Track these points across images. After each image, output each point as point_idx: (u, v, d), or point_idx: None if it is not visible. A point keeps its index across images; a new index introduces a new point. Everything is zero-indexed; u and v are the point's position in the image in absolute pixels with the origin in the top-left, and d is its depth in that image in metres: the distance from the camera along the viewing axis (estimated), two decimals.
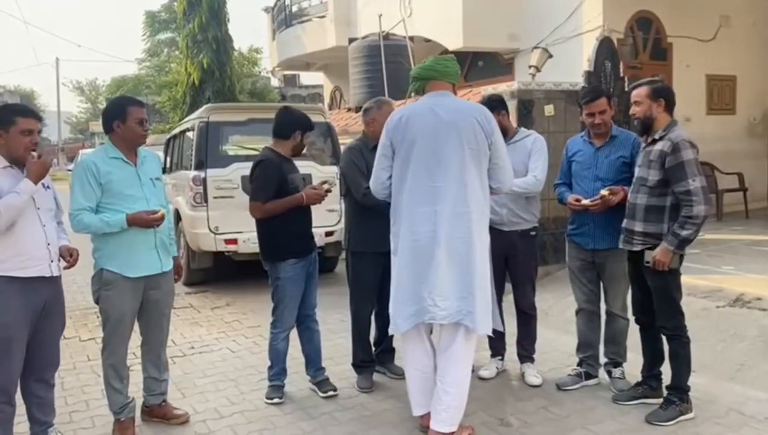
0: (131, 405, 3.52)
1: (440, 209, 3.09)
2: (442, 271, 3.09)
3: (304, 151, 4.08)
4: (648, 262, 3.39)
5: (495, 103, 4.09)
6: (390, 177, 3.27)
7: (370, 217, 3.79)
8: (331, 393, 3.93)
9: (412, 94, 3.49)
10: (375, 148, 3.47)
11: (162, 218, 3.33)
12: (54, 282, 3.15)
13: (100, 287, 3.36)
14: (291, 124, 3.89)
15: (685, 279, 5.22)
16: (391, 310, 3.26)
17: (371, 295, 4.03)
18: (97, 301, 3.42)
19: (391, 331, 3.33)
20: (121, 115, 3.36)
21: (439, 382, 3.21)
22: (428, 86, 3.29)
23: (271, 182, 3.78)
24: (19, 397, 3.18)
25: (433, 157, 3.11)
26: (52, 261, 3.09)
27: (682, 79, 9.46)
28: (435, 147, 3.12)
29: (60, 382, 4.08)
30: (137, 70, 35.18)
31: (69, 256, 3.20)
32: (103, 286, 3.35)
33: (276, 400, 3.85)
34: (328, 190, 3.91)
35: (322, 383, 3.99)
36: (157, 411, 3.64)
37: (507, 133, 4.09)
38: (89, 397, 4.05)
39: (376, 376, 4.17)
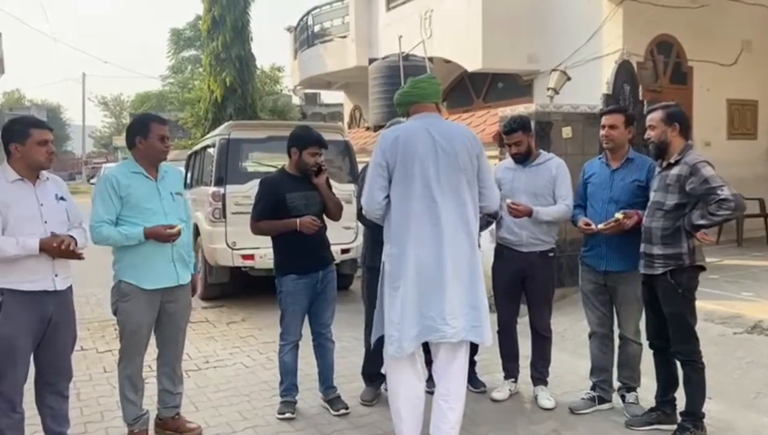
0: (145, 417, 3.57)
1: (443, 228, 3.13)
2: (450, 290, 3.11)
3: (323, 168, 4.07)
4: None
5: (528, 124, 4.14)
6: (386, 197, 3.22)
7: None
8: (342, 411, 3.94)
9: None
10: None
11: (178, 233, 3.39)
12: (60, 296, 3.16)
13: (118, 298, 3.43)
14: (288, 142, 3.97)
15: (702, 304, 5.19)
16: (393, 333, 3.15)
17: None
18: (115, 313, 3.48)
19: (395, 354, 3.17)
20: (143, 131, 3.45)
21: (443, 401, 3.20)
22: (412, 109, 3.32)
23: (263, 200, 3.91)
24: (35, 408, 3.24)
25: (435, 177, 3.14)
26: (56, 275, 3.10)
27: (703, 104, 9.42)
28: (435, 167, 3.14)
29: (76, 393, 4.14)
30: (161, 87, 35.82)
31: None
32: (121, 298, 3.42)
33: (288, 416, 3.88)
34: (321, 167, 3.92)
35: (334, 401, 4.01)
36: (171, 424, 3.68)
37: (531, 154, 4.12)
38: (104, 408, 4.09)
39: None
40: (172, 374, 3.68)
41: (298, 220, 3.81)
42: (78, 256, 3.13)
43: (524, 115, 4.44)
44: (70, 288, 3.25)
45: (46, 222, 3.09)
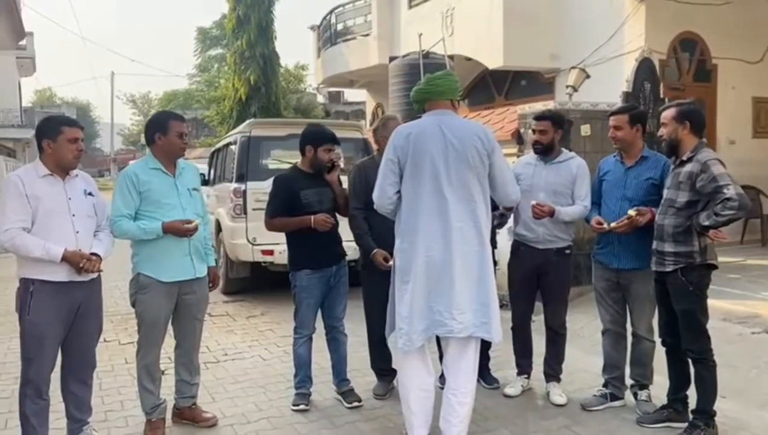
0: (162, 406, 3.67)
1: (452, 224, 3.15)
2: (458, 285, 3.13)
3: (341, 166, 4.14)
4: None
5: (559, 120, 4.15)
6: (397, 192, 3.26)
7: (380, 232, 3.88)
8: (355, 404, 4.00)
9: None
10: None
11: (195, 228, 3.48)
12: (87, 286, 3.29)
13: (136, 291, 3.54)
14: (302, 140, 4.03)
15: (722, 304, 5.17)
16: (402, 327, 3.19)
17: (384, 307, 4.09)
18: (133, 305, 3.58)
19: (404, 348, 3.19)
20: (162, 129, 3.54)
21: (452, 395, 3.24)
22: (427, 105, 3.34)
23: (278, 198, 3.98)
24: (58, 395, 3.36)
25: (445, 174, 3.16)
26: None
27: (727, 102, 9.32)
28: (446, 164, 3.16)
29: (98, 383, 4.25)
30: (188, 85, 36.29)
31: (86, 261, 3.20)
32: (139, 290, 3.52)
33: (302, 407, 3.95)
34: (334, 163, 3.99)
35: (347, 394, 4.08)
36: (187, 413, 3.78)
37: (553, 150, 4.13)
38: (124, 398, 4.21)
39: None
40: (190, 365, 3.78)
41: (312, 217, 3.87)
42: (97, 271, 3.27)
43: (559, 112, 4.46)
44: (98, 277, 3.37)
45: (74, 215, 3.23)
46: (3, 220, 3.10)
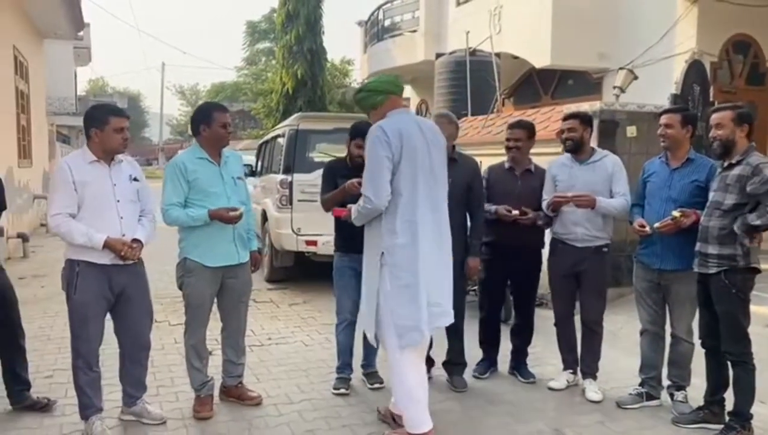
0: (210, 384, 3.85)
1: (441, 217, 3.33)
2: (446, 274, 3.33)
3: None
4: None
5: (587, 119, 4.22)
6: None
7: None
8: (377, 385, 4.17)
9: (377, 107, 3.39)
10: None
11: (240, 216, 3.63)
12: (130, 269, 3.47)
13: (183, 274, 3.72)
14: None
15: (766, 310, 5.09)
16: (408, 323, 3.21)
17: None
18: (180, 287, 3.77)
19: (416, 342, 3.25)
20: (207, 120, 3.71)
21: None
22: (391, 102, 3.36)
23: (324, 182, 4.18)
24: (110, 369, 3.57)
25: (430, 170, 3.29)
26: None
27: None
28: (429, 161, 3.29)
29: (149, 360, 4.45)
30: (236, 77, 36.89)
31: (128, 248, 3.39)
32: (186, 274, 3.70)
33: (342, 391, 4.09)
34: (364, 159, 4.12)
35: (370, 375, 4.26)
36: (234, 392, 3.95)
37: (582, 148, 4.19)
38: (174, 375, 4.42)
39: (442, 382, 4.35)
40: (236, 346, 3.95)
41: (345, 183, 3.89)
42: (136, 258, 3.49)
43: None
44: (140, 261, 3.56)
45: (118, 201, 3.43)
46: (51, 206, 3.35)
